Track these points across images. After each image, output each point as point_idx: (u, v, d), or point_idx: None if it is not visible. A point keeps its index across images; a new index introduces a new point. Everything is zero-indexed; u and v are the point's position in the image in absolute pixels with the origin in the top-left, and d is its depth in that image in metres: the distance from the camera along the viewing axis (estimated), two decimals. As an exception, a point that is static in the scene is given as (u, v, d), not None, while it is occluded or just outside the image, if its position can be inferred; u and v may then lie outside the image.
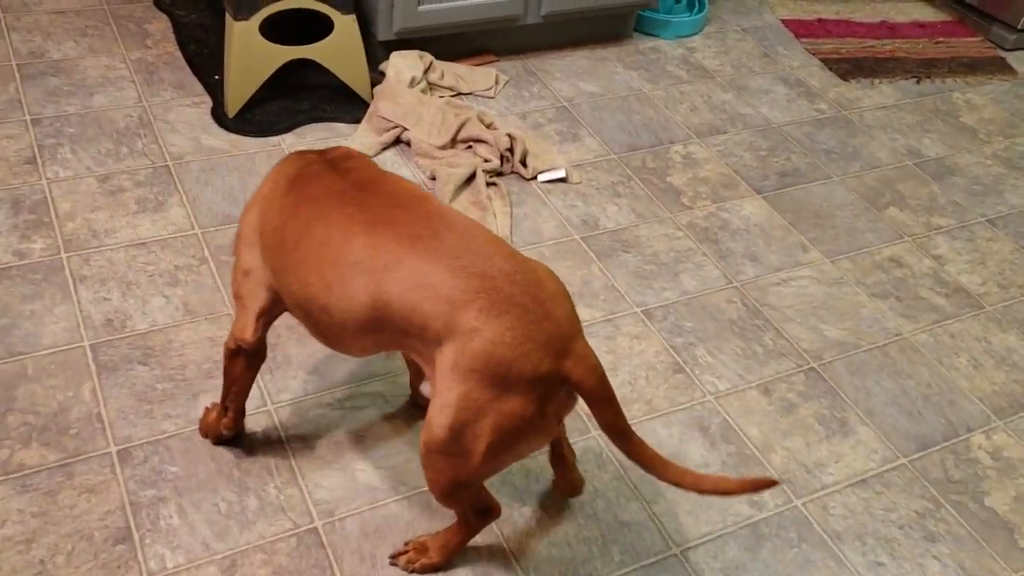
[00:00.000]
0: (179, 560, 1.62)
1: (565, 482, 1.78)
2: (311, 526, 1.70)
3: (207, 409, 1.80)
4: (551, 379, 1.35)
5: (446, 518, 1.73)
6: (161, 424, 1.82)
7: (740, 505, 1.85)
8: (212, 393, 1.88)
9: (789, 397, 2.09)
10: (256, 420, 1.86)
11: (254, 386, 1.91)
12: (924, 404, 2.13)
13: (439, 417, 1.38)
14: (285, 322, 2.05)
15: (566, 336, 1.36)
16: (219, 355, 1.96)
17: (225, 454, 1.79)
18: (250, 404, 1.88)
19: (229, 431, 1.76)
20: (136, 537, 1.64)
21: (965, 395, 2.17)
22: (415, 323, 1.38)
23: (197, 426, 1.82)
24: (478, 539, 1.71)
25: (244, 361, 1.64)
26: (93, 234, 2.20)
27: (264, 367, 1.95)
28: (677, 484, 1.42)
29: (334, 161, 1.56)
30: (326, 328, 1.50)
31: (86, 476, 1.72)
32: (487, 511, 1.58)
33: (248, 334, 1.60)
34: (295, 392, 1.92)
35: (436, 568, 1.65)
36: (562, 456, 1.74)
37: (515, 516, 1.76)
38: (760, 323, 2.27)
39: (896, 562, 1.80)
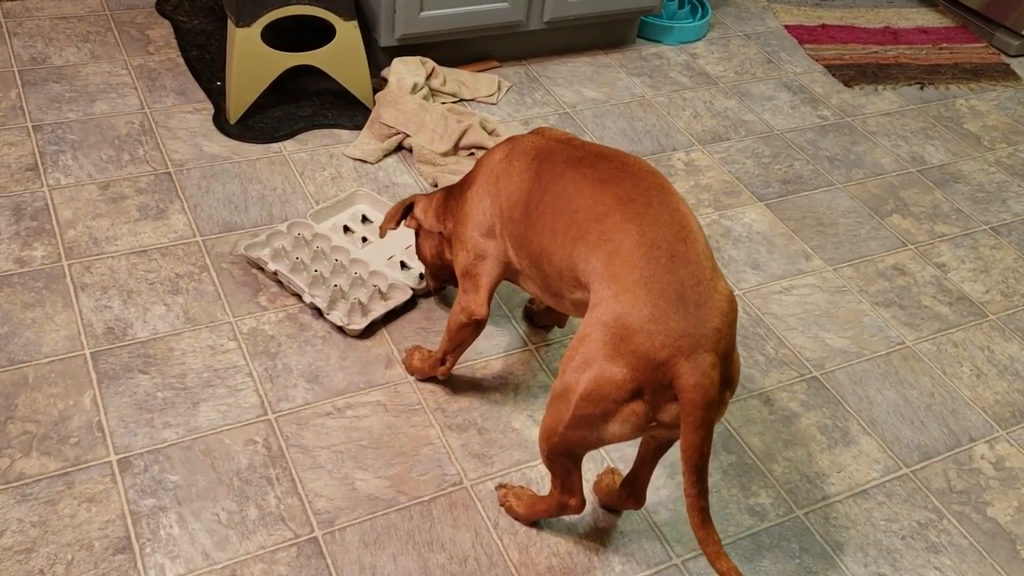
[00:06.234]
0: (179, 570, 1.61)
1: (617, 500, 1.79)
2: (311, 536, 1.70)
3: (408, 352, 2.01)
4: (662, 370, 1.36)
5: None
6: (162, 433, 1.82)
7: (741, 515, 1.84)
8: (213, 401, 1.88)
9: (791, 406, 2.09)
10: (256, 429, 1.85)
11: (254, 394, 1.91)
12: (926, 414, 2.12)
13: (566, 352, 1.47)
14: (285, 331, 2.05)
15: (701, 343, 1.36)
16: (220, 364, 1.96)
17: (225, 463, 1.78)
18: (249, 413, 1.88)
19: (445, 377, 1.96)
20: (136, 547, 1.64)
21: (968, 405, 2.16)
22: (591, 263, 1.48)
23: (200, 434, 1.82)
24: (480, 548, 1.71)
25: (473, 329, 1.82)
26: (94, 242, 2.20)
27: (264, 376, 1.95)
28: (702, 545, 1.43)
29: (567, 138, 1.72)
30: (547, 277, 1.63)
31: (86, 485, 1.72)
32: (570, 492, 1.64)
33: (483, 310, 1.78)
34: (295, 401, 1.92)
35: (517, 517, 1.77)
36: (633, 486, 1.74)
37: (516, 525, 1.76)
38: (762, 331, 2.26)
39: (898, 573, 1.79)
